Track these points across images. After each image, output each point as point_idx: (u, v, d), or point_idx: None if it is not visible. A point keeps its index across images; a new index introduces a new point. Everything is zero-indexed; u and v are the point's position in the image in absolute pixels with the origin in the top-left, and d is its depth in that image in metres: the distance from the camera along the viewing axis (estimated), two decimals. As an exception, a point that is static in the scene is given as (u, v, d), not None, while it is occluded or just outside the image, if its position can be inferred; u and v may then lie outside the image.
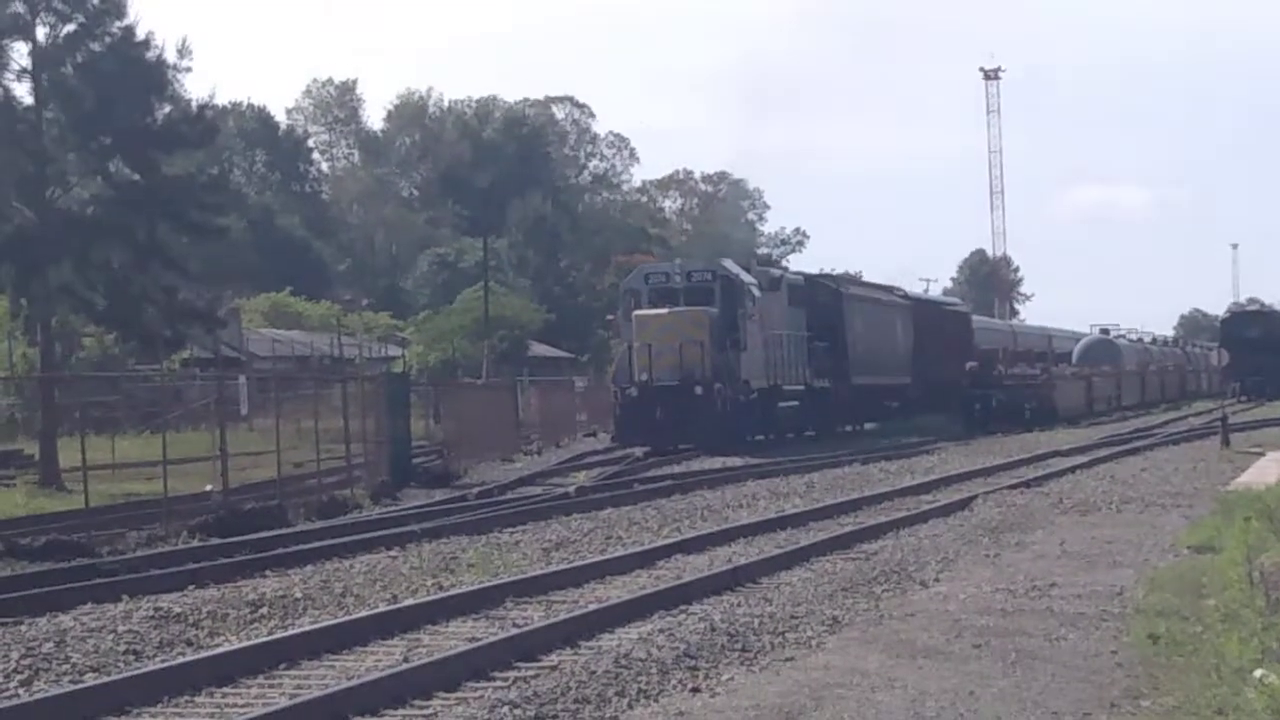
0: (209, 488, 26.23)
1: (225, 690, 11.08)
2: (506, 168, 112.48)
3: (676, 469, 34.39)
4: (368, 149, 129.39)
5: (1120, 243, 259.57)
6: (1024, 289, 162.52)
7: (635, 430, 40.54)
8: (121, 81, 32.41)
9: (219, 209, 36.85)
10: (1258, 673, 9.75)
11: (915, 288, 77.50)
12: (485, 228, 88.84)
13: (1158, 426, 50.17)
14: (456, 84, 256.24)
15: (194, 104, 34.37)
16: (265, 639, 12.80)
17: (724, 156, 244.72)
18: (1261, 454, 31.95)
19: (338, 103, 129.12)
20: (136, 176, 33.70)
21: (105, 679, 11.29)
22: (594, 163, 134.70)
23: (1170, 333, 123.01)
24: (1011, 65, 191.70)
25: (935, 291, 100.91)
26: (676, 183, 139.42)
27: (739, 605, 14.28)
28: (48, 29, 32.66)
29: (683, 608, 14.14)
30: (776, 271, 48.85)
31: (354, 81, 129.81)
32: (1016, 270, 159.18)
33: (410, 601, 14.68)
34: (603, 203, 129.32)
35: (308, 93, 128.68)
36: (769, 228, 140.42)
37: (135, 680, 11.01)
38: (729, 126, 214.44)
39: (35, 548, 19.85)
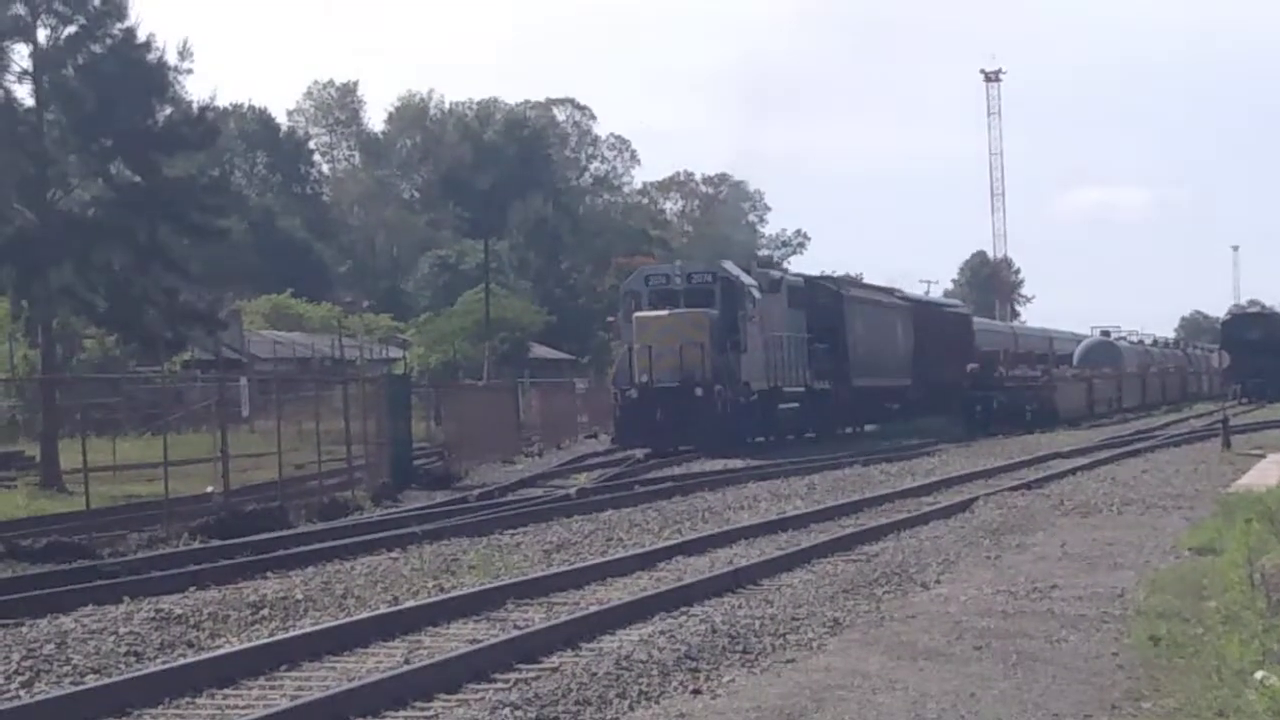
0: (210, 489, 26.24)
1: (226, 692, 11.08)
2: (507, 169, 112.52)
3: (677, 471, 34.38)
4: (369, 151, 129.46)
5: (1121, 244, 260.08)
6: (1025, 291, 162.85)
7: (635, 432, 40.52)
8: (122, 83, 32.44)
9: (220, 211, 36.89)
10: (1259, 674, 9.75)
11: (916, 290, 77.64)
12: (486, 230, 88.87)
13: (1159, 428, 50.16)
14: (457, 86, 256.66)
15: (195, 106, 34.47)
16: (266, 640, 12.80)
17: (724, 158, 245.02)
18: (1262, 456, 31.94)
19: (339, 104, 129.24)
20: (137, 178, 33.74)
21: (106, 680, 11.30)
22: (595, 165, 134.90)
23: (1171, 334, 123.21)
24: (1010, 66, 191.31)
25: (936, 293, 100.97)
26: (677, 184, 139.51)
27: (740, 607, 14.29)
28: (49, 31, 32.73)
29: (684, 609, 14.14)
30: (776, 273, 48.84)
31: (355, 83, 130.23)
32: (1017, 272, 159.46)
33: (411, 603, 14.68)
34: (604, 205, 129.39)
35: (309, 94, 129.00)
36: (770, 229, 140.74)
37: (136, 682, 11.01)
38: (729, 127, 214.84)
39: (36, 549, 19.87)
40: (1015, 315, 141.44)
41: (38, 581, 16.95)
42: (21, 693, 11.31)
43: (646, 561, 17.68)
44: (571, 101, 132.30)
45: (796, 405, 45.08)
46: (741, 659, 11.82)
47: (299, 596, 15.55)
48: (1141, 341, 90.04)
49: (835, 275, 61.32)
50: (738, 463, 35.42)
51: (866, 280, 69.20)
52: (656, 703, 10.39)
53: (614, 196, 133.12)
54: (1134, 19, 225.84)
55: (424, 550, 19.43)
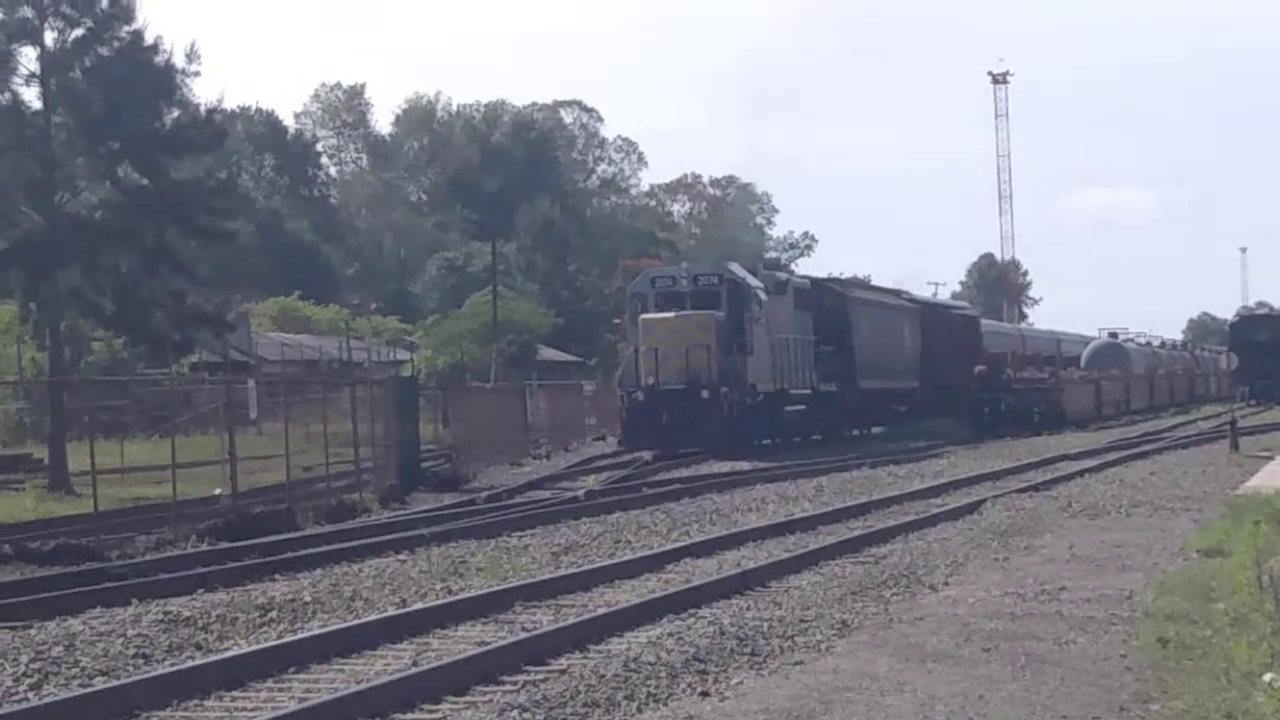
0: (218, 491, 26.25)
1: (234, 694, 11.09)
2: (515, 172, 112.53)
3: (685, 473, 34.39)
4: (376, 153, 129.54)
5: (1128, 246, 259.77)
6: (1032, 293, 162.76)
7: (642, 434, 40.52)
8: (130, 86, 32.47)
9: (227, 213, 36.94)
10: (1267, 677, 9.73)
11: (924, 292, 77.64)
12: (494, 232, 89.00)
13: (1166, 430, 50.12)
14: (464, 88, 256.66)
15: (202, 108, 34.46)
16: (274, 643, 12.81)
17: (731, 160, 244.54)
18: (1271, 458, 31.87)
19: (346, 107, 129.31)
20: (145, 181, 33.77)
21: (114, 683, 11.31)
22: (602, 167, 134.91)
23: (1179, 336, 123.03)
24: (1012, 67, 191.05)
25: (944, 295, 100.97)
26: (685, 187, 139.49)
27: (748, 609, 14.28)
28: (56, 34, 32.76)
29: (692, 611, 14.14)
30: (783, 275, 48.86)
31: (362, 86, 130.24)
32: (1025, 274, 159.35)
33: (419, 605, 14.68)
34: (611, 207, 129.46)
35: (316, 97, 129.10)
36: (777, 231, 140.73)
37: (144, 684, 11.02)
38: (729, 127, 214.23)
39: (44, 552, 19.90)
40: (1023, 317, 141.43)
41: (46, 584, 16.95)
42: (30, 695, 11.32)
43: (655, 563, 17.67)
44: (579, 104, 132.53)
45: (803, 407, 45.06)
46: (750, 661, 11.82)
47: (307, 599, 15.56)
48: (1149, 343, 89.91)
49: (842, 277, 61.27)
50: (745, 465, 35.42)
51: (874, 282, 69.11)
52: (665, 705, 10.39)
53: (621, 199, 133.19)
54: (1134, 19, 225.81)
55: (432, 552, 19.44)
